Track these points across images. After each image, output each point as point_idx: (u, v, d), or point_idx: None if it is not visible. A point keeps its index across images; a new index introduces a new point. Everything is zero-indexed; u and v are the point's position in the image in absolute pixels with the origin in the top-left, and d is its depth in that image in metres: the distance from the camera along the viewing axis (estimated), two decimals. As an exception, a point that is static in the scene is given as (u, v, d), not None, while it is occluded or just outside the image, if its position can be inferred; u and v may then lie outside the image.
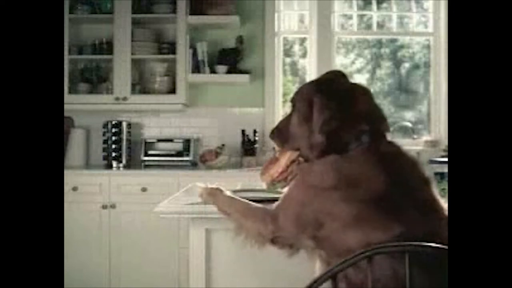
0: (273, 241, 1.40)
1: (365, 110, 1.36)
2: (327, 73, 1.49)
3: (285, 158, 1.53)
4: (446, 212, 1.26)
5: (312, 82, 1.50)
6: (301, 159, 1.47)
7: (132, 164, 3.91)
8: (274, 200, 1.89)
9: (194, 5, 3.86)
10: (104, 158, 3.85)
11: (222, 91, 4.09)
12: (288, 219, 1.35)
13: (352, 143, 1.32)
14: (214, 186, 1.68)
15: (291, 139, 1.46)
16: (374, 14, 4.28)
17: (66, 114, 3.91)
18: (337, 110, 1.33)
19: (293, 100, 1.49)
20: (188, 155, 3.86)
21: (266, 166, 1.63)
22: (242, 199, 1.56)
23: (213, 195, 1.61)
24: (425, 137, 4.17)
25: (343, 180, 1.28)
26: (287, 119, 1.50)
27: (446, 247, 1.07)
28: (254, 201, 1.88)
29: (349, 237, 1.24)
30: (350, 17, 4.32)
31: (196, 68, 3.91)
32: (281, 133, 1.50)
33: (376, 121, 1.36)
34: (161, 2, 3.86)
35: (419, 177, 1.31)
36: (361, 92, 1.40)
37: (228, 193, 1.64)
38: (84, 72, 4.01)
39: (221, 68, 3.89)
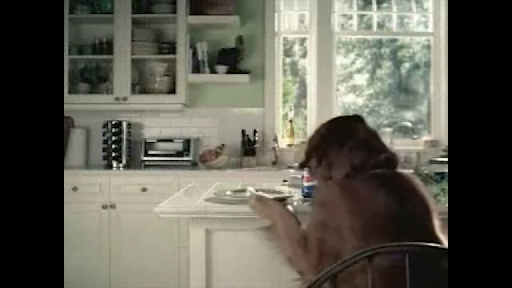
0: (299, 273, 1.47)
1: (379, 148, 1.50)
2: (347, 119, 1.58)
3: None
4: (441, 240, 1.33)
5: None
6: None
7: (132, 164, 3.90)
8: (275, 200, 1.89)
9: (194, 5, 3.86)
10: (104, 158, 3.85)
11: (222, 91, 4.09)
12: (313, 255, 1.41)
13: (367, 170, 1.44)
14: (266, 195, 1.74)
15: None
16: (374, 14, 4.28)
17: (66, 114, 3.91)
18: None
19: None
20: (188, 155, 3.86)
21: None
22: (292, 215, 1.58)
23: (263, 203, 1.65)
24: (425, 137, 4.17)
25: (353, 201, 1.37)
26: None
27: (446, 247, 1.07)
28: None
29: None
30: (350, 17, 4.32)
31: (196, 68, 3.90)
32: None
33: (386, 155, 1.48)
34: (161, 2, 3.86)
35: (420, 204, 1.38)
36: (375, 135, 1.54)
37: (277, 202, 1.68)
38: (84, 72, 4.00)
39: (221, 68, 3.89)
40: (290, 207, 1.65)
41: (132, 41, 3.80)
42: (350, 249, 1.29)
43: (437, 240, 1.31)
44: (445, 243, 1.30)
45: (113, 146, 3.82)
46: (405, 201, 1.35)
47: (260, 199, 1.66)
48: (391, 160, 1.47)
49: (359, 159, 1.44)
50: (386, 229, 1.30)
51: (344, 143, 1.47)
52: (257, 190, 1.90)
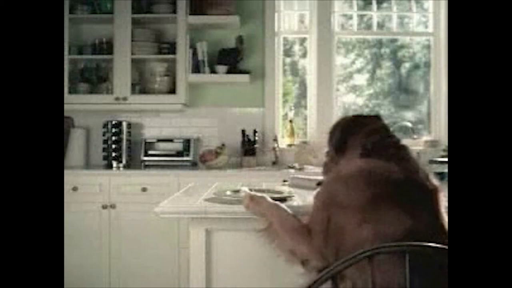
0: (303, 263, 1.47)
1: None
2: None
3: None
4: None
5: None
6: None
7: (132, 164, 3.91)
8: (275, 200, 1.89)
9: (194, 5, 3.86)
10: (104, 158, 3.86)
11: (222, 91, 4.09)
12: (318, 239, 1.42)
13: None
14: (258, 193, 1.74)
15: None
16: (374, 14, 4.28)
17: (66, 114, 3.91)
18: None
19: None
20: (188, 155, 3.86)
21: None
22: (286, 210, 1.60)
23: (256, 202, 1.66)
24: (425, 137, 4.17)
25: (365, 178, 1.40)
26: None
27: (446, 247, 1.07)
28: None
29: (362, 231, 1.31)
30: (350, 17, 4.32)
31: (196, 68, 3.90)
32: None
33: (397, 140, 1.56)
34: (161, 2, 3.86)
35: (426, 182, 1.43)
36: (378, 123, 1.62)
37: (270, 200, 1.68)
38: (84, 72, 4.00)
39: (221, 68, 3.89)
40: (284, 206, 1.65)
41: (132, 41, 3.80)
42: (356, 222, 1.32)
43: (442, 217, 1.34)
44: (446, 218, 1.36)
45: (113, 146, 3.82)
46: (413, 176, 1.40)
47: (252, 198, 1.67)
48: (403, 146, 1.52)
49: (371, 143, 1.50)
50: (394, 197, 1.34)
51: (359, 131, 1.55)
52: (251, 190, 1.90)
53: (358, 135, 1.53)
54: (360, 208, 1.34)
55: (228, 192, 1.98)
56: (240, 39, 3.97)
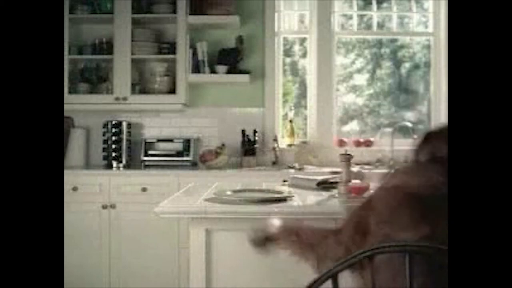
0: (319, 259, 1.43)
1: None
2: None
3: None
4: None
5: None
6: None
7: (132, 164, 3.91)
8: (274, 200, 1.89)
9: (194, 5, 3.86)
10: (104, 158, 3.86)
11: (222, 91, 4.09)
12: (345, 235, 1.40)
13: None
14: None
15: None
16: (374, 14, 4.28)
17: (66, 114, 3.91)
18: None
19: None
20: (188, 155, 3.86)
21: None
22: (308, 228, 1.53)
23: (273, 242, 1.55)
24: (425, 137, 4.16)
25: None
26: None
27: (446, 247, 1.07)
28: (253, 201, 1.88)
29: (379, 231, 1.28)
30: (350, 17, 4.32)
31: (196, 68, 3.90)
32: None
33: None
34: (161, 2, 3.86)
35: None
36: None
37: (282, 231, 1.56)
38: (84, 72, 4.00)
39: (221, 68, 3.89)
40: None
41: (132, 41, 3.80)
42: (376, 224, 1.30)
43: None
44: None
45: (113, 146, 3.82)
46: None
47: (268, 239, 1.55)
48: None
49: (445, 150, 1.46)
50: (418, 205, 1.28)
51: (444, 135, 1.50)
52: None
53: (441, 138, 1.50)
54: (385, 212, 1.31)
55: (228, 192, 1.98)
56: (240, 39, 3.97)
